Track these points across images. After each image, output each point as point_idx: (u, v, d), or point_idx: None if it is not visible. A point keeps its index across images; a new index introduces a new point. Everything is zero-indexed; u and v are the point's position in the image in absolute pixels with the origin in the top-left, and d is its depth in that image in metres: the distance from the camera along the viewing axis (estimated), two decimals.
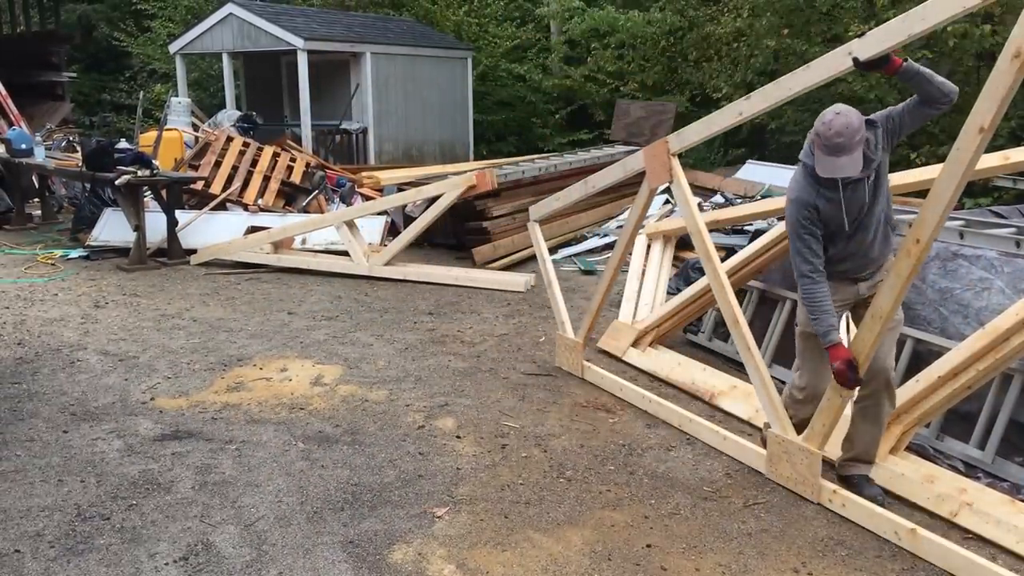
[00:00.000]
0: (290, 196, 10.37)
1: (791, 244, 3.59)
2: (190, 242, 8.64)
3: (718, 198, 10.26)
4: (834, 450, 3.91)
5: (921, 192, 5.71)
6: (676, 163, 4.51)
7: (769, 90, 3.87)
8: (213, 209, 9.31)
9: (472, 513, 3.60)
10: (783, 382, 4.64)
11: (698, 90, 14.81)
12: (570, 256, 9.11)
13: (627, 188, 8.70)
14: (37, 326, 6.24)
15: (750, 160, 12.13)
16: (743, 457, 4.11)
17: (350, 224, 8.12)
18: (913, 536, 3.29)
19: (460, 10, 16.91)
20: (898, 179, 5.38)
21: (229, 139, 10.33)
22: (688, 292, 5.52)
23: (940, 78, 3.27)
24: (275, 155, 10.47)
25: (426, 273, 7.95)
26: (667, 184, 4.62)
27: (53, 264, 8.35)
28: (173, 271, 8.17)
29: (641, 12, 15.18)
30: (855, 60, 3.32)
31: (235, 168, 9.95)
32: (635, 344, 5.63)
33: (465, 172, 8.62)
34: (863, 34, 3.36)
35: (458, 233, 9.11)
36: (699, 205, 6.20)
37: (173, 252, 8.48)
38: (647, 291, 6.13)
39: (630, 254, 6.39)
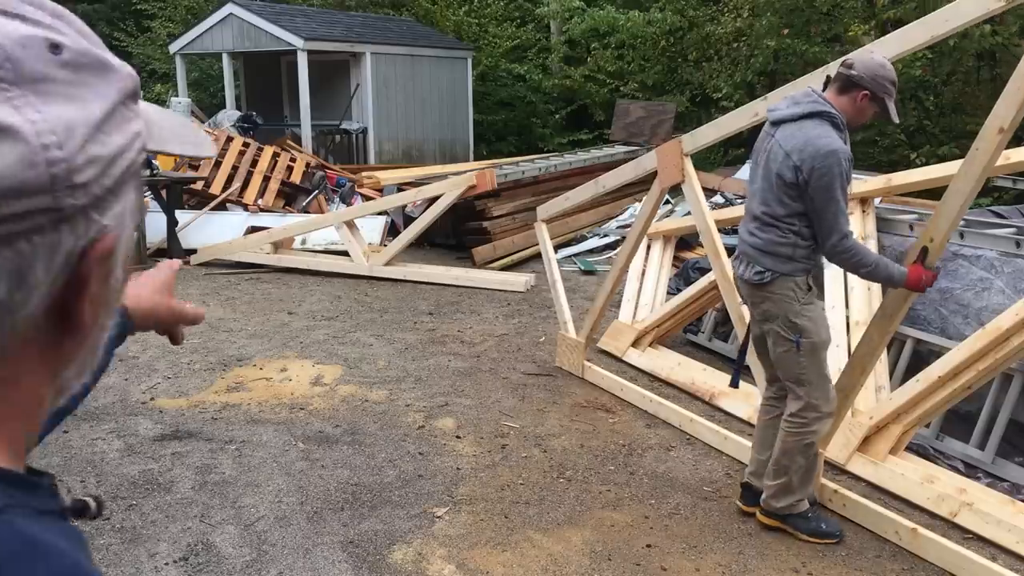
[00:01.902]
0: (290, 196, 10.37)
1: (830, 203, 3.04)
2: (190, 242, 8.64)
3: (718, 198, 10.25)
4: (833, 451, 3.91)
5: (921, 192, 5.72)
6: (689, 163, 4.51)
7: (787, 91, 3.85)
8: (213, 209, 9.30)
9: (472, 513, 3.60)
10: None
11: (698, 90, 14.81)
12: (570, 256, 9.10)
13: (627, 188, 8.70)
14: None
15: (750, 160, 12.11)
16: (743, 457, 4.11)
17: (350, 224, 8.11)
18: (913, 536, 3.29)
19: (460, 10, 16.91)
20: (900, 179, 5.40)
21: (229, 139, 10.32)
22: (688, 292, 5.52)
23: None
24: (275, 155, 10.46)
25: (426, 273, 7.95)
26: (676, 183, 4.62)
27: None
28: None
29: (641, 12, 15.17)
30: None
31: (235, 168, 9.94)
32: (635, 344, 5.62)
33: (465, 172, 8.62)
34: None
35: (458, 233, 9.11)
36: None
37: (173, 252, 8.45)
38: (647, 291, 6.13)
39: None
